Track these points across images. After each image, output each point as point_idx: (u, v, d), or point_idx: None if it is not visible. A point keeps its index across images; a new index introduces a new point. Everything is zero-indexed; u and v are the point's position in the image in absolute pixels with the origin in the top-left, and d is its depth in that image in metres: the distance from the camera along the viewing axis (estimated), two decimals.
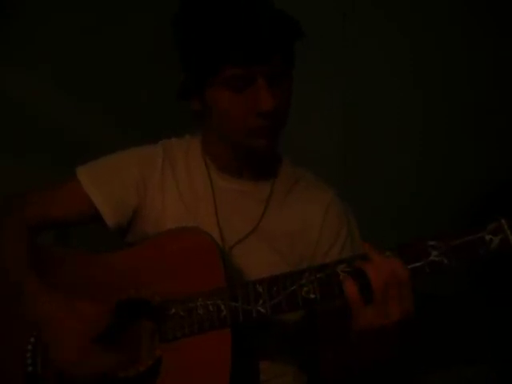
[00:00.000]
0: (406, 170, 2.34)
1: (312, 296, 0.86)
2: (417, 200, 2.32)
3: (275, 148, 1.07)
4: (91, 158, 1.12)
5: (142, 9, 2.00)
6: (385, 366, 0.93)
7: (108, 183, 1.08)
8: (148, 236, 1.05)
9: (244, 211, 1.08)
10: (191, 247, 0.96)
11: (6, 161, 1.56)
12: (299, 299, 0.86)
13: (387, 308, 0.80)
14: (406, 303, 0.80)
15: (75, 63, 1.75)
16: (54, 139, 1.68)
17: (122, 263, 1.01)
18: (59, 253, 1.08)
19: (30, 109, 1.63)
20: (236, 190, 1.09)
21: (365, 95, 2.39)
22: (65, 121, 1.74)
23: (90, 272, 1.02)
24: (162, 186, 1.09)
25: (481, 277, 1.78)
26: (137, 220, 1.10)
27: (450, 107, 2.34)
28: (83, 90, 1.77)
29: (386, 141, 2.38)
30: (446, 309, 2.11)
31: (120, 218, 1.09)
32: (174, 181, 1.10)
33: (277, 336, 1.03)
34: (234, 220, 1.07)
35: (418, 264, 0.83)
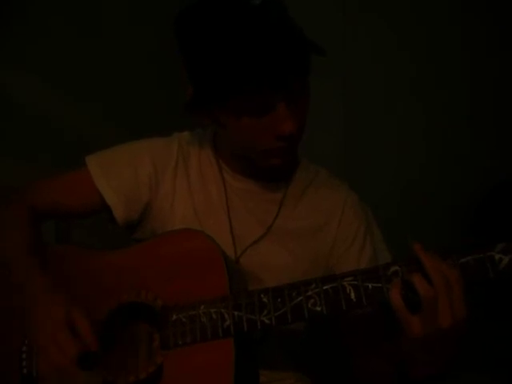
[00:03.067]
0: (406, 170, 2.34)
1: (318, 308, 0.83)
2: (417, 200, 2.32)
3: (294, 159, 1.04)
4: None
5: (143, 9, 2.00)
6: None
7: (119, 177, 1.04)
8: (156, 234, 1.03)
9: (257, 212, 1.06)
10: (194, 250, 0.94)
11: (6, 161, 1.56)
12: (305, 311, 0.84)
13: (437, 316, 0.77)
14: (457, 309, 0.77)
15: (75, 63, 1.74)
16: (54, 139, 1.67)
17: (122, 263, 0.98)
18: (59, 249, 1.06)
19: (30, 109, 1.62)
20: (249, 191, 1.07)
21: (365, 95, 2.38)
22: (65, 121, 1.73)
23: (90, 270, 1.00)
24: (173, 183, 1.06)
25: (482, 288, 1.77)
26: (147, 217, 1.06)
27: (450, 107, 2.33)
28: (83, 89, 1.76)
29: (386, 141, 2.37)
30: None
31: (130, 214, 1.05)
32: (185, 179, 1.07)
33: (279, 341, 1.02)
34: (247, 221, 1.05)
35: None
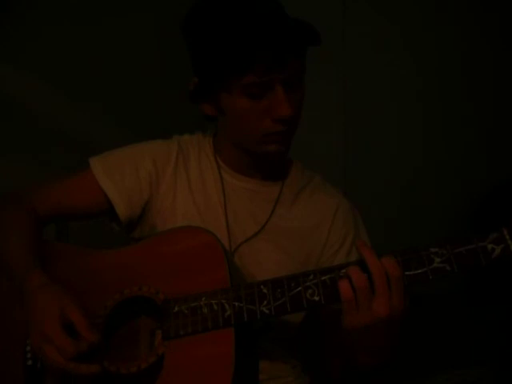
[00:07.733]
0: (406, 171, 2.34)
1: (316, 298, 0.86)
2: (417, 200, 2.32)
3: (288, 152, 1.07)
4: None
5: (144, 9, 2.00)
6: (384, 366, 0.94)
7: (122, 176, 1.07)
8: (156, 232, 1.05)
9: (253, 210, 1.08)
10: (195, 246, 0.96)
11: (7, 161, 1.56)
12: (303, 301, 0.87)
13: (371, 305, 0.81)
14: (395, 301, 0.81)
15: (76, 63, 1.75)
16: (54, 139, 1.68)
17: (124, 260, 0.99)
18: (61, 247, 1.07)
19: (30, 109, 1.63)
20: (246, 189, 1.09)
21: (365, 95, 2.39)
22: (65, 121, 1.73)
23: (92, 268, 1.01)
24: (174, 181, 1.09)
25: (477, 276, 1.78)
26: (147, 215, 1.09)
27: (450, 107, 2.34)
28: (83, 89, 1.77)
29: (386, 141, 2.38)
30: (444, 309, 2.11)
31: (132, 212, 1.08)
32: (185, 177, 1.10)
33: (279, 337, 1.03)
34: (243, 219, 1.07)
35: (421, 270, 0.84)
